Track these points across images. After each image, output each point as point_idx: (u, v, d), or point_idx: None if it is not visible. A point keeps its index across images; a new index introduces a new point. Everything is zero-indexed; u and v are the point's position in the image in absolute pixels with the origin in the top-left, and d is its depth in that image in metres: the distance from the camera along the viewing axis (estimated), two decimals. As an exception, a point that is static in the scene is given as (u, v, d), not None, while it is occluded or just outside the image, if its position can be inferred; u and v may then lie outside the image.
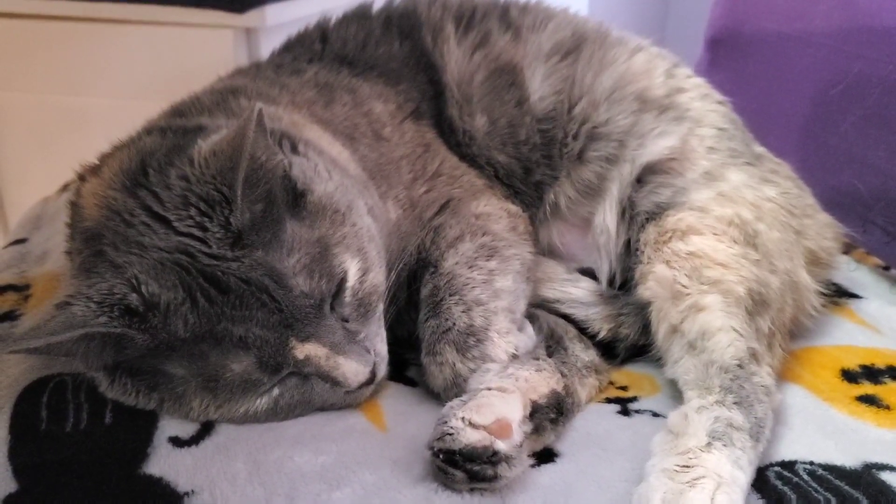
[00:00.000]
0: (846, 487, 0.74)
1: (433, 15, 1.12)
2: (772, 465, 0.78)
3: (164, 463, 0.74)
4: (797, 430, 0.84)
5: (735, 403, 0.81)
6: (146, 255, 0.75)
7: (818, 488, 0.74)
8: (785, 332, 0.94)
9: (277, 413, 0.80)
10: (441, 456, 0.72)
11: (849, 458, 0.79)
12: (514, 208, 1.02)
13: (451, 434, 0.73)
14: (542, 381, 0.84)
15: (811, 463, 0.78)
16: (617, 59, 1.09)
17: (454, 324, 0.87)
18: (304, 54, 1.10)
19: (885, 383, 0.92)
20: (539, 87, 1.08)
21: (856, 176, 1.26)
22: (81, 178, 0.87)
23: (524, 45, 1.09)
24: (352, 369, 0.79)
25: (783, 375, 0.92)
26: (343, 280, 0.80)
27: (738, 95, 1.17)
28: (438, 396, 0.86)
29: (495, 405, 0.76)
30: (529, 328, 0.93)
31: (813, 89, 1.35)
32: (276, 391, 0.79)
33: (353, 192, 0.86)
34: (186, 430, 0.79)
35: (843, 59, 1.29)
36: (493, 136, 1.07)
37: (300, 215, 0.80)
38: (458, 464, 0.72)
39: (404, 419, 0.84)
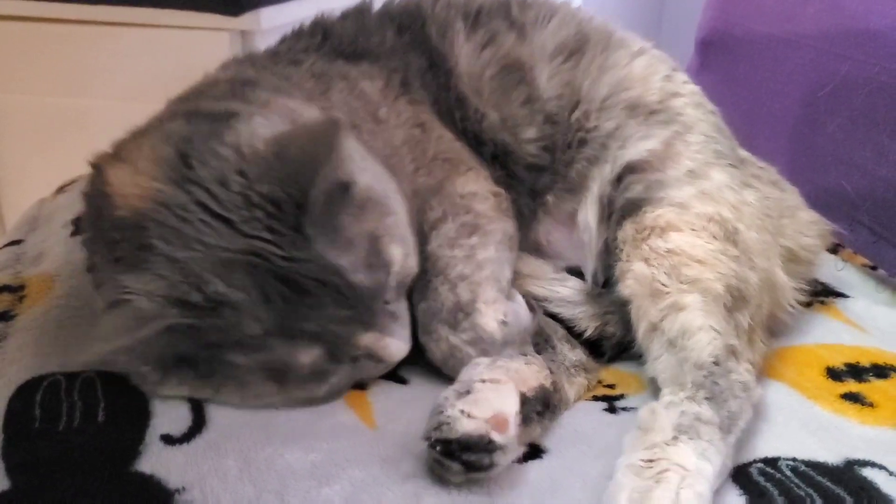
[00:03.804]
0: (828, 484, 0.75)
1: (439, 13, 1.12)
2: (755, 461, 0.79)
3: (155, 460, 0.75)
4: (781, 426, 0.85)
5: (706, 399, 0.81)
6: (212, 254, 0.75)
7: (800, 484, 0.75)
8: (763, 327, 0.95)
9: (331, 396, 0.84)
10: (438, 447, 0.73)
11: (832, 455, 0.79)
12: (499, 189, 1.02)
13: (447, 423, 0.74)
14: (531, 375, 0.85)
15: (794, 459, 0.79)
16: (617, 64, 1.09)
17: (443, 304, 0.89)
18: (299, 47, 1.09)
19: (869, 381, 0.93)
20: (545, 87, 1.08)
21: (843, 176, 1.27)
22: (97, 167, 0.85)
23: (529, 43, 1.09)
24: (398, 348, 0.84)
25: (768, 373, 0.93)
26: (391, 267, 0.83)
27: (728, 97, 1.18)
28: (439, 370, 0.89)
29: (492, 399, 0.77)
30: (520, 298, 0.95)
31: (801, 91, 1.36)
32: (334, 378, 0.82)
33: (386, 178, 0.88)
34: (178, 427, 0.79)
35: (830, 61, 1.30)
36: (509, 132, 1.07)
37: (350, 210, 0.81)
38: (455, 454, 0.73)
39: (394, 417, 0.85)
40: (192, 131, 0.80)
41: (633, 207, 0.98)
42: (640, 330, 0.92)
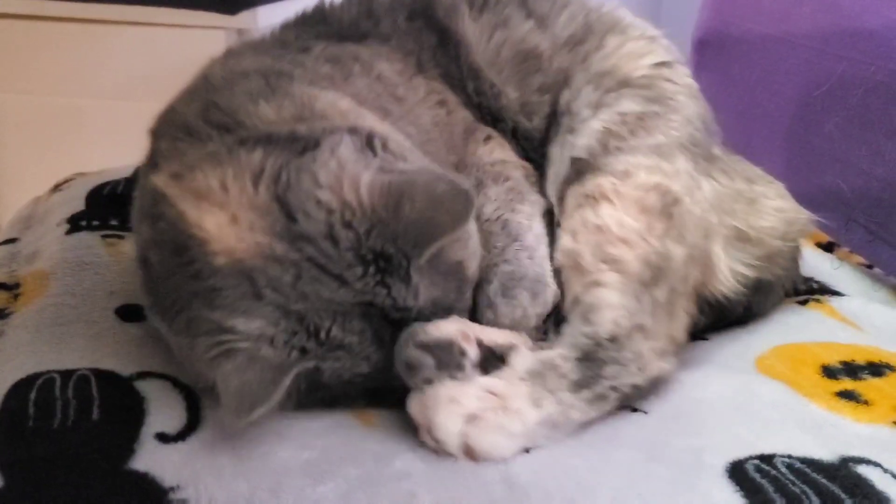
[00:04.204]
0: (823, 480, 0.75)
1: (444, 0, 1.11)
2: (751, 457, 0.79)
3: (149, 458, 0.75)
4: (776, 424, 0.85)
5: (577, 359, 0.83)
6: (327, 306, 0.76)
7: (795, 481, 0.75)
8: (688, 296, 0.94)
9: None
10: (414, 345, 0.78)
11: (826, 452, 0.79)
12: (526, 163, 1.03)
13: (419, 334, 0.79)
14: (499, 334, 0.87)
15: (789, 456, 0.79)
16: (606, 46, 1.07)
17: (526, 272, 0.90)
18: (308, 34, 1.07)
19: (864, 379, 0.93)
20: (552, 76, 1.07)
21: (839, 176, 1.27)
22: (161, 194, 0.80)
23: (550, 34, 1.08)
24: None
25: (763, 371, 0.94)
26: (471, 284, 0.86)
27: (724, 96, 1.18)
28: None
29: (451, 322, 0.82)
30: None
31: (797, 90, 1.36)
32: None
33: None
34: (173, 425, 0.79)
35: (826, 60, 1.31)
36: (524, 114, 1.07)
37: (446, 249, 0.81)
38: (429, 350, 0.78)
39: (389, 414, 0.84)
40: (278, 168, 0.77)
41: (577, 174, 0.97)
42: (567, 300, 0.92)
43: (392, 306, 0.77)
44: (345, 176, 0.77)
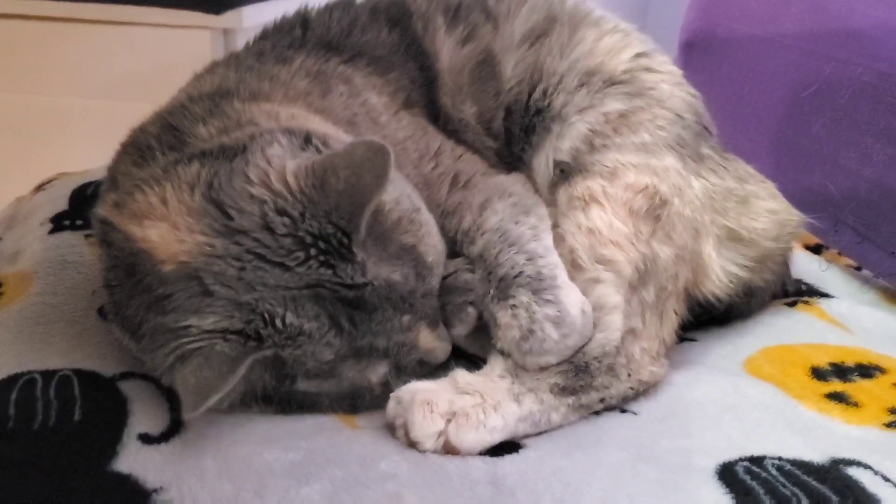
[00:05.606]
0: (813, 483, 0.75)
1: (420, 5, 1.11)
2: (741, 459, 0.78)
3: (132, 460, 0.74)
4: (766, 426, 0.84)
5: (567, 369, 0.85)
6: (276, 293, 0.75)
7: (786, 483, 0.74)
8: (678, 295, 0.95)
9: None
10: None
11: (817, 454, 0.79)
12: (523, 176, 1.02)
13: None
14: None
15: (779, 458, 0.78)
16: (584, 40, 1.06)
17: (522, 271, 0.87)
18: (283, 41, 1.07)
19: (854, 381, 0.93)
20: (509, 77, 1.06)
21: (827, 177, 1.27)
22: (108, 223, 0.82)
23: (501, 35, 1.08)
24: (444, 349, 0.87)
25: (753, 373, 0.94)
26: (435, 271, 0.85)
27: (711, 97, 1.17)
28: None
29: None
30: None
31: (785, 91, 1.37)
32: (395, 389, 0.83)
33: (412, 187, 0.88)
34: (156, 426, 0.78)
35: (814, 61, 1.31)
36: (483, 125, 1.07)
37: (390, 227, 0.81)
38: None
39: (375, 417, 0.84)
40: (211, 175, 0.78)
41: (566, 175, 0.98)
42: None
43: (341, 285, 0.77)
44: (272, 170, 0.77)
